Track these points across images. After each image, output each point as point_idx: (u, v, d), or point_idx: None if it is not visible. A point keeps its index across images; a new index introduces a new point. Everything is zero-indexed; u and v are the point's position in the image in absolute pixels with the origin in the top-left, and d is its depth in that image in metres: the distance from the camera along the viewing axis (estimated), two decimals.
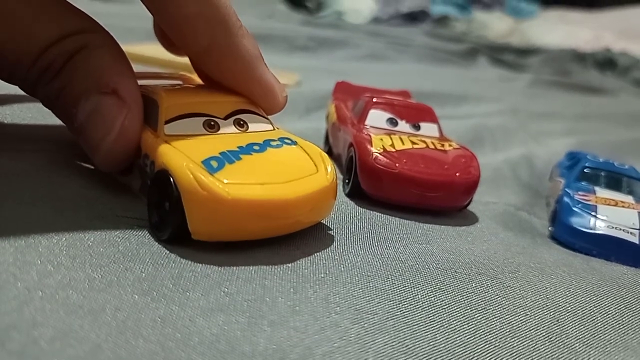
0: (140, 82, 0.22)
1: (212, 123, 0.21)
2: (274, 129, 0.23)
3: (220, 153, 0.19)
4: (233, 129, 0.22)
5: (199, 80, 0.27)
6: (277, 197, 0.19)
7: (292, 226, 0.20)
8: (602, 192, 0.30)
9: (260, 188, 0.19)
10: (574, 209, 0.27)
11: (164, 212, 0.19)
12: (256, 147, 0.21)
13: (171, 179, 0.18)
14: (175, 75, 0.29)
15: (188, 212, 0.18)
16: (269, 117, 0.24)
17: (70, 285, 0.16)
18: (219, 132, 0.21)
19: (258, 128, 0.23)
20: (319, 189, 0.20)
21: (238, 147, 0.20)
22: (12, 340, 0.13)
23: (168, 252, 0.19)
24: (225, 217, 0.18)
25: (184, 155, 0.19)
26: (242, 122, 0.22)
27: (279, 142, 0.22)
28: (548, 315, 0.19)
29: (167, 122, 0.21)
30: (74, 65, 0.20)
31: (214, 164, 0.19)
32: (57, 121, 0.22)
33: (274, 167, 0.20)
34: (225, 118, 0.22)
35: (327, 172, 0.21)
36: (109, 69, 0.21)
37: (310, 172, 0.21)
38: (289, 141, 0.22)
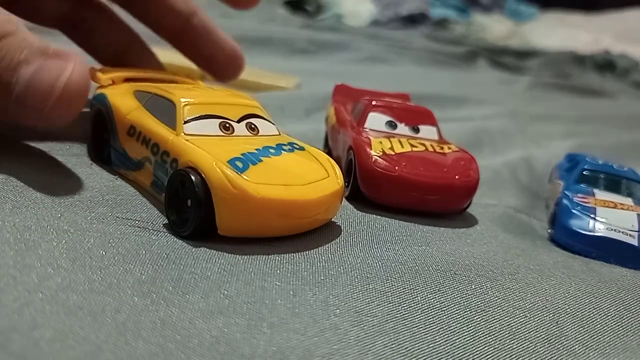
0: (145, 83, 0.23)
1: (227, 125, 0.23)
2: (280, 134, 0.25)
3: (242, 154, 0.21)
4: (246, 131, 0.23)
5: (197, 84, 0.27)
6: (300, 198, 0.20)
7: (310, 224, 0.22)
8: (601, 195, 0.30)
9: (285, 189, 0.20)
10: (573, 211, 0.28)
11: (186, 208, 0.20)
12: (272, 150, 0.22)
13: (192, 177, 0.19)
14: (176, 78, 0.29)
15: (218, 208, 0.19)
16: (274, 122, 0.25)
17: (70, 287, 0.16)
18: (234, 134, 0.23)
19: (267, 132, 0.24)
20: (332, 191, 0.22)
21: (256, 149, 0.21)
22: (12, 342, 0.13)
23: (168, 254, 0.19)
24: (252, 214, 0.19)
25: (209, 155, 0.20)
26: (253, 126, 0.24)
27: (290, 147, 0.23)
28: (547, 317, 0.19)
29: (185, 122, 0.22)
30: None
31: (239, 164, 0.20)
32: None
33: (292, 170, 0.22)
34: (239, 121, 0.23)
35: (337, 177, 0.23)
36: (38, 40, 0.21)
37: (323, 176, 0.22)
38: (297, 147, 0.24)
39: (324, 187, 0.21)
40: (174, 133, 0.21)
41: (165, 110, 0.22)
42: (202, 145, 0.20)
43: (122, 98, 0.25)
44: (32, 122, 0.22)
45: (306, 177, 0.21)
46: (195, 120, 0.22)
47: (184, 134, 0.21)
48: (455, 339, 0.17)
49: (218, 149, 0.20)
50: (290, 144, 0.23)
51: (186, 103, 0.22)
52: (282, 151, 0.22)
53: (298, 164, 0.22)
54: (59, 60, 0.20)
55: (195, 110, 0.22)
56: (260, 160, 0.21)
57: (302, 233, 0.22)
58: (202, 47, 0.28)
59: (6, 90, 0.21)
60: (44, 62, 0.20)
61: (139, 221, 0.20)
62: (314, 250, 0.21)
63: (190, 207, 0.19)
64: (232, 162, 0.20)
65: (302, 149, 0.24)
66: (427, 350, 0.16)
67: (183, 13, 0.26)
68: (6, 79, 0.21)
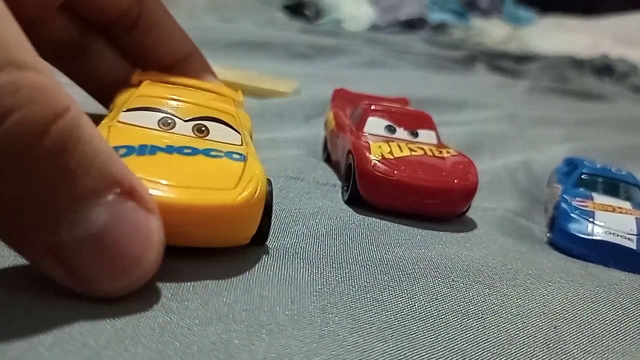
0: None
1: (169, 121, 0.21)
2: (241, 144, 0.22)
3: (138, 145, 0.19)
4: (189, 132, 0.21)
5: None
6: (161, 197, 0.17)
7: (175, 237, 0.17)
8: (599, 198, 0.30)
9: (152, 184, 0.17)
10: (572, 215, 0.28)
11: None
12: (187, 150, 0.20)
13: None
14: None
15: None
16: (242, 132, 0.23)
17: (69, 293, 0.16)
18: (171, 131, 0.21)
19: (219, 138, 0.22)
20: (215, 203, 0.18)
21: (167, 145, 0.20)
22: (12, 347, 0.13)
23: (166, 262, 0.19)
24: None
25: (102, 140, 0.16)
26: (203, 129, 0.22)
27: (222, 154, 0.20)
28: (545, 322, 0.19)
29: (127, 110, 0.22)
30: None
31: (122, 151, 0.18)
32: None
33: (185, 171, 0.19)
34: (187, 121, 0.22)
35: (242, 192, 0.18)
36: (115, 158, 0.15)
37: (223, 187, 0.18)
38: (237, 156, 0.20)
39: (207, 196, 0.17)
40: (110, 117, 0.22)
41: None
42: (114, 132, 0.20)
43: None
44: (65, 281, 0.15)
45: (195, 181, 0.18)
46: (136, 110, 0.22)
47: (117, 120, 0.21)
48: (454, 346, 0.17)
49: (122, 137, 0.20)
50: (230, 152, 0.21)
51: (141, 93, 0.22)
52: (202, 154, 0.20)
53: (202, 169, 0.19)
54: (140, 208, 0.15)
55: (145, 101, 0.22)
56: (154, 153, 0.19)
57: (298, 236, 0.22)
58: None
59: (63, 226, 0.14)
60: (123, 204, 0.15)
61: None
62: (313, 254, 0.21)
63: None
64: (116, 148, 0.18)
65: (241, 159, 0.20)
66: (426, 356, 0.16)
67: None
68: (62, 213, 0.14)
